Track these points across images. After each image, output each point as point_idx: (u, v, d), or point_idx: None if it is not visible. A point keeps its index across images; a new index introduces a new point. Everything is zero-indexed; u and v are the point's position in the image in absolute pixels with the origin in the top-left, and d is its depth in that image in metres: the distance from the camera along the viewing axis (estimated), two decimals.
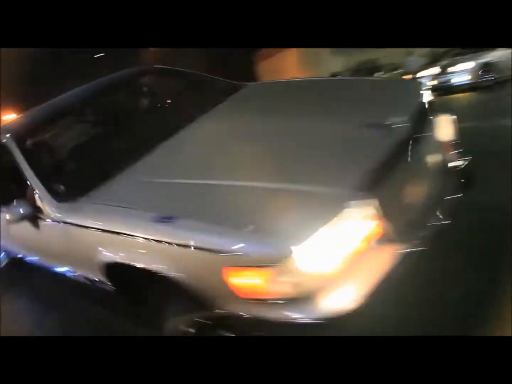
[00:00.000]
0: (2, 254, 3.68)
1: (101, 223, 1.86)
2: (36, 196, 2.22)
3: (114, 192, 2.02)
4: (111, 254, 1.85)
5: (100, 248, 1.88)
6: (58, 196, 2.16)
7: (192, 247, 1.51)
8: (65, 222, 2.05)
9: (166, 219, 1.60)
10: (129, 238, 1.70)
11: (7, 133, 2.56)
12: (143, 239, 1.65)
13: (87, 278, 2.22)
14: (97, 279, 2.10)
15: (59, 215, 2.10)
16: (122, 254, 1.80)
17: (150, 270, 1.67)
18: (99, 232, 1.85)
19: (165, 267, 1.62)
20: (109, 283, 2.02)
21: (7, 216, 2.28)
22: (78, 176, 2.37)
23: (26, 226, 2.29)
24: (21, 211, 2.19)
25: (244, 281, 1.44)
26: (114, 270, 1.89)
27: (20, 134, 2.58)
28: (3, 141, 2.54)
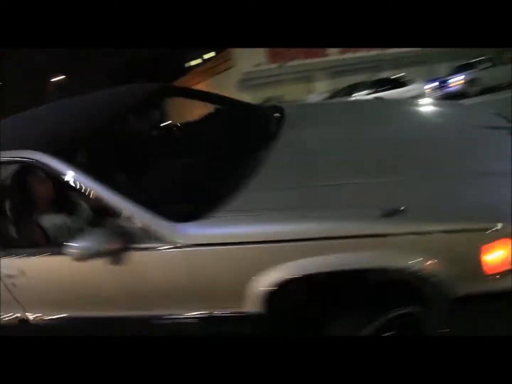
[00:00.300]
0: None
1: (289, 233, 1.63)
2: (130, 222, 1.79)
3: (272, 200, 1.77)
4: (301, 266, 1.61)
5: (277, 264, 1.64)
6: (169, 217, 1.76)
7: (445, 232, 1.50)
8: (201, 245, 1.71)
9: (395, 211, 1.53)
10: (339, 241, 1.57)
11: (33, 148, 1.94)
12: (365, 238, 1.56)
13: (220, 318, 1.81)
14: (240, 312, 1.75)
15: (181, 239, 1.72)
16: (322, 263, 1.59)
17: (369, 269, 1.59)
18: (276, 245, 1.63)
19: (396, 261, 1.54)
20: (271, 310, 1.70)
21: (74, 251, 1.74)
22: (190, 190, 1.95)
23: (83, 266, 1.79)
24: (96, 244, 1.73)
25: (496, 254, 1.49)
26: (293, 287, 1.64)
27: (58, 150, 1.94)
28: (33, 160, 1.92)
